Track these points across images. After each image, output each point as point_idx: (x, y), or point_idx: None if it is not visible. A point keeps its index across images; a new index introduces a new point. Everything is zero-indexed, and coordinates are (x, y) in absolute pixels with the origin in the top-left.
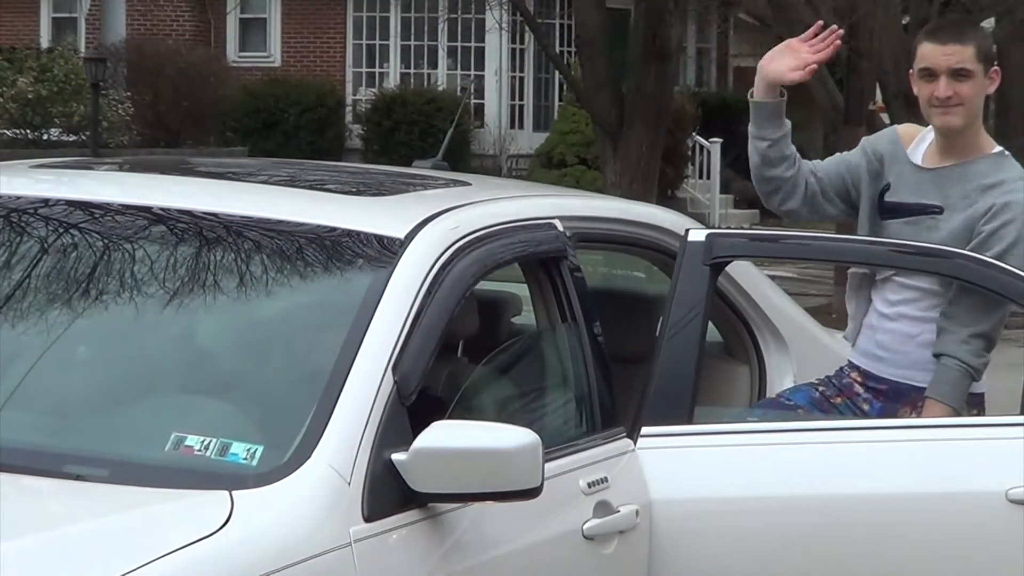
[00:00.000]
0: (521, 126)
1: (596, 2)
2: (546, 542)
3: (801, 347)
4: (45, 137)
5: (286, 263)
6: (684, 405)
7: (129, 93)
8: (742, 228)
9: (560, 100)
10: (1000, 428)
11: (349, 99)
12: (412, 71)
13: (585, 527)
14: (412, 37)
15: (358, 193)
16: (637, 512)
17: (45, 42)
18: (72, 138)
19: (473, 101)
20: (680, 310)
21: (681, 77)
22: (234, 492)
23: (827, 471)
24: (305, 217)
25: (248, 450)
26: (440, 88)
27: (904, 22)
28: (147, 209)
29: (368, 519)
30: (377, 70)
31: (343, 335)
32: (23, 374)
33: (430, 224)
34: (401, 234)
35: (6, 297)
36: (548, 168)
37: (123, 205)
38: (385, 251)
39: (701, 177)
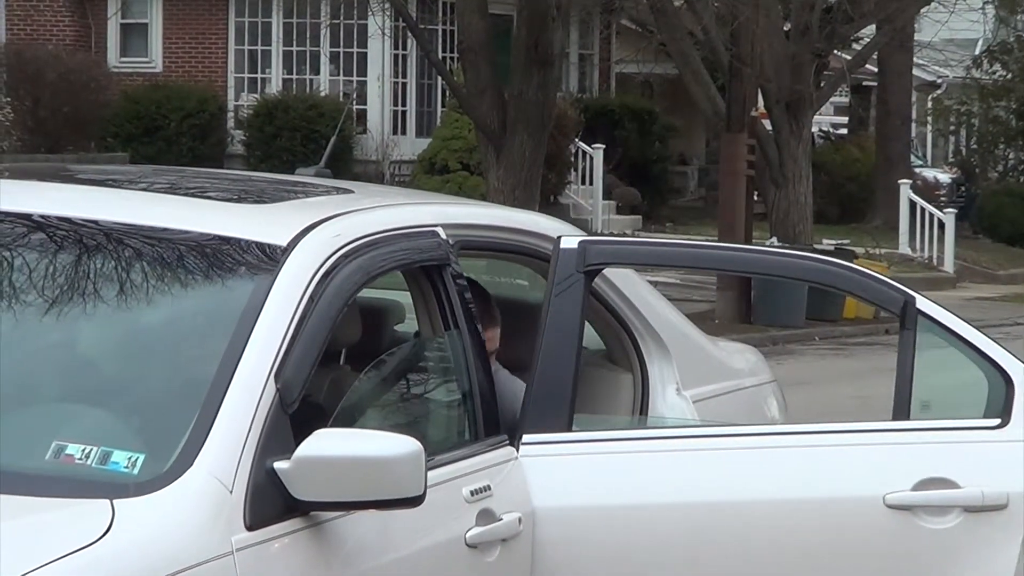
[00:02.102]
0: (404, 132)
1: (479, 8)
2: (429, 550)
3: (683, 354)
4: None
5: (167, 271)
6: (563, 413)
7: (9, 99)
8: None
9: (443, 106)
10: (877, 434)
11: (231, 105)
12: (294, 77)
13: (468, 535)
14: (294, 43)
15: (240, 200)
16: (520, 520)
17: None
18: None
19: (355, 107)
20: (555, 318)
21: (564, 83)
22: (115, 500)
23: (705, 478)
24: (186, 224)
25: (129, 458)
26: (323, 94)
27: (785, 29)
28: (26, 216)
29: (251, 527)
30: (259, 76)
31: (225, 343)
32: None
33: (312, 232)
34: (283, 242)
35: None
36: (431, 174)
37: (2, 212)
38: (267, 259)
39: (584, 183)
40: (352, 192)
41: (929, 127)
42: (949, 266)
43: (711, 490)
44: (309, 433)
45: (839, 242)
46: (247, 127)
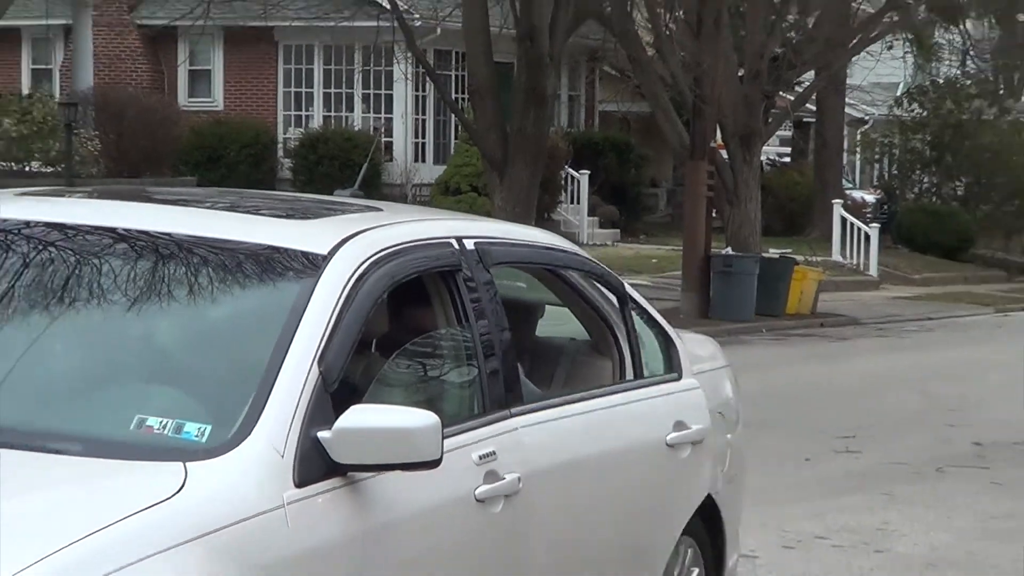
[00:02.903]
0: (423, 160)
1: (485, 56)
2: (445, 504)
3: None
4: (27, 169)
5: (228, 274)
6: (517, 389)
7: (97, 132)
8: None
9: (456, 138)
10: (654, 387)
11: (280, 137)
12: (333, 114)
13: (477, 492)
14: (332, 85)
15: (288, 217)
16: (519, 479)
17: (25, 89)
18: (49, 170)
19: (383, 139)
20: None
21: (556, 119)
22: (188, 463)
23: (583, 436)
24: (244, 236)
25: (199, 429)
26: (356, 128)
27: (740, 74)
28: (112, 230)
29: (299, 485)
30: (303, 113)
31: (276, 334)
32: (11, 367)
33: (348, 242)
34: (324, 251)
35: None
36: (446, 195)
37: (92, 226)
38: (311, 265)
39: (572, 202)
40: (381, 210)
41: (858, 156)
42: (873, 271)
43: (574, 444)
44: (346, 408)
45: (783, 251)
46: (294, 156)
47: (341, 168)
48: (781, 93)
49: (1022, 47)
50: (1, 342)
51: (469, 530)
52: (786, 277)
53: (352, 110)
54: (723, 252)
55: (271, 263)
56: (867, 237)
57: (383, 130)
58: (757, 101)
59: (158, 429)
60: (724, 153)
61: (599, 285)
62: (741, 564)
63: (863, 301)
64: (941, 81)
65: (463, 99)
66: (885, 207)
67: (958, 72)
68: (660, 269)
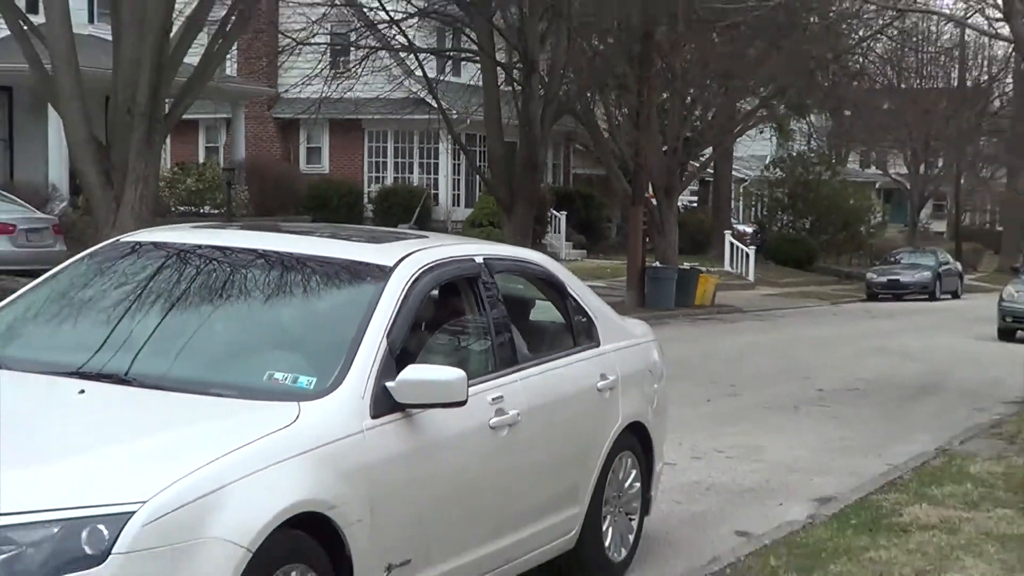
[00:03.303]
0: (458, 205)
1: (499, 138)
2: (469, 429)
3: (609, 326)
4: (201, 211)
5: (329, 279)
6: (515, 354)
7: (246, 187)
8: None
9: (479, 191)
10: (586, 352)
11: (365, 191)
12: (399, 175)
13: (490, 422)
14: (399, 156)
15: (368, 241)
16: (518, 414)
17: (200, 159)
18: (216, 212)
19: (432, 191)
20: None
21: (545, 178)
22: (301, 403)
23: (552, 386)
24: (339, 254)
25: (308, 380)
26: (414, 184)
27: (664, 149)
28: (253, 250)
29: (373, 417)
30: (380, 175)
31: (359, 318)
32: (187, 341)
33: (406, 259)
34: (391, 263)
35: (179, 297)
36: (473, 228)
37: (240, 247)
38: (382, 273)
39: (555, 232)
40: (428, 237)
41: (741, 202)
42: (751, 277)
43: (551, 391)
44: (404, 367)
45: (692, 264)
46: (373, 203)
47: (404, 211)
48: (691, 162)
49: (846, 133)
50: (182, 324)
51: (485, 446)
52: (694, 281)
53: (411, 172)
54: (653, 265)
55: (356, 271)
56: (747, 255)
57: (432, 187)
58: (675, 167)
59: (282, 380)
60: (654, 200)
61: (548, 284)
62: (665, 470)
63: (744, 297)
64: (794, 154)
65: (484, 165)
66: (758, 235)
67: (805, 148)
68: (613, 276)
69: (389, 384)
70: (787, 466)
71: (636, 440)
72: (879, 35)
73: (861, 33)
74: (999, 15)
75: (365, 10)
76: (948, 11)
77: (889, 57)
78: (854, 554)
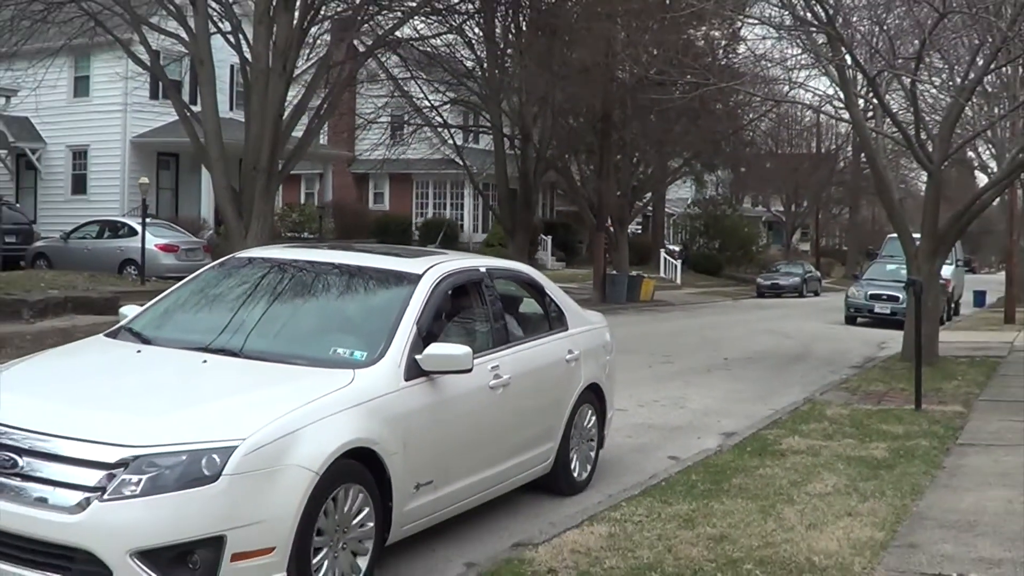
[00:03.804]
0: (478, 231)
1: (505, 185)
2: (474, 389)
3: (575, 315)
4: (302, 236)
5: (377, 282)
6: (508, 336)
7: (332, 220)
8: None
9: (492, 222)
10: (556, 334)
11: (415, 223)
12: (436, 211)
13: (489, 383)
14: (437, 198)
15: (405, 257)
16: (509, 378)
17: (302, 200)
18: (312, 237)
19: (460, 223)
20: (494, 300)
21: (537, 213)
22: (356, 370)
23: (533, 358)
24: (384, 265)
25: (362, 354)
26: (447, 217)
27: (618, 193)
28: (327, 262)
29: (406, 380)
30: (424, 211)
31: (397, 310)
32: (278, 328)
33: (431, 268)
34: (420, 272)
35: (275, 295)
36: (487, 247)
37: (318, 260)
38: (413, 279)
39: (544, 250)
40: (447, 253)
41: (671, 230)
42: (679, 281)
43: (533, 361)
44: (428, 345)
45: (638, 272)
46: (419, 231)
47: (437, 236)
48: (637, 201)
49: (742, 183)
50: (276, 314)
51: (486, 400)
52: (639, 284)
53: (445, 209)
54: (611, 272)
55: (396, 277)
56: (675, 266)
57: (459, 219)
58: (626, 205)
59: (343, 354)
60: (611, 228)
61: (531, 287)
62: (617, 415)
63: (674, 295)
64: (707, 197)
65: (495, 204)
66: (683, 252)
67: (714, 193)
68: (583, 280)
69: (417, 357)
70: (703, 411)
71: (594, 396)
72: (763, 117)
73: (751, 116)
74: (842, 105)
75: (415, 99)
76: (808, 102)
77: (770, 132)
78: (749, 471)
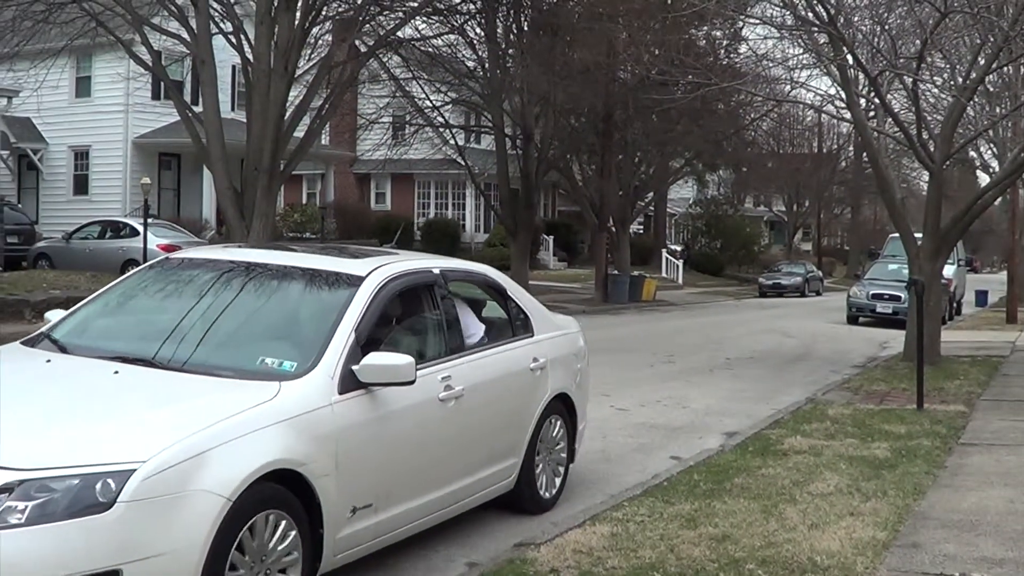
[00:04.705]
0: (480, 231)
1: (507, 186)
2: (421, 401)
3: (542, 320)
4: (304, 236)
5: (316, 284)
6: (463, 343)
7: (334, 220)
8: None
9: (494, 222)
10: (521, 341)
11: (416, 223)
12: (438, 211)
13: (439, 395)
14: (438, 198)
15: (351, 257)
16: (463, 389)
17: (304, 201)
18: (314, 237)
19: (462, 223)
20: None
21: (539, 213)
22: (281, 383)
23: (492, 367)
24: (325, 266)
25: (291, 364)
26: (448, 218)
27: (620, 193)
28: (262, 263)
29: (340, 393)
30: (425, 211)
31: (335, 315)
32: (203, 332)
33: (376, 270)
34: (363, 273)
35: (200, 299)
36: (489, 247)
37: (253, 261)
38: (356, 281)
39: (546, 250)
40: (398, 253)
41: (673, 230)
42: (680, 281)
43: (491, 371)
44: (367, 354)
45: (640, 272)
46: (421, 231)
47: (441, 236)
48: (638, 201)
49: (744, 183)
50: (201, 319)
51: (435, 414)
52: (641, 283)
53: (447, 209)
54: (613, 272)
55: (337, 279)
56: (677, 266)
57: (460, 219)
58: (627, 205)
59: (271, 364)
60: (613, 228)
61: (493, 290)
62: (618, 415)
63: (676, 295)
64: (709, 197)
65: (497, 204)
66: (685, 252)
67: (716, 193)
68: (585, 280)
69: (354, 367)
70: (705, 411)
71: (563, 406)
72: (765, 117)
73: (752, 116)
74: (844, 105)
75: (416, 99)
76: (810, 102)
77: (771, 132)
78: (751, 471)
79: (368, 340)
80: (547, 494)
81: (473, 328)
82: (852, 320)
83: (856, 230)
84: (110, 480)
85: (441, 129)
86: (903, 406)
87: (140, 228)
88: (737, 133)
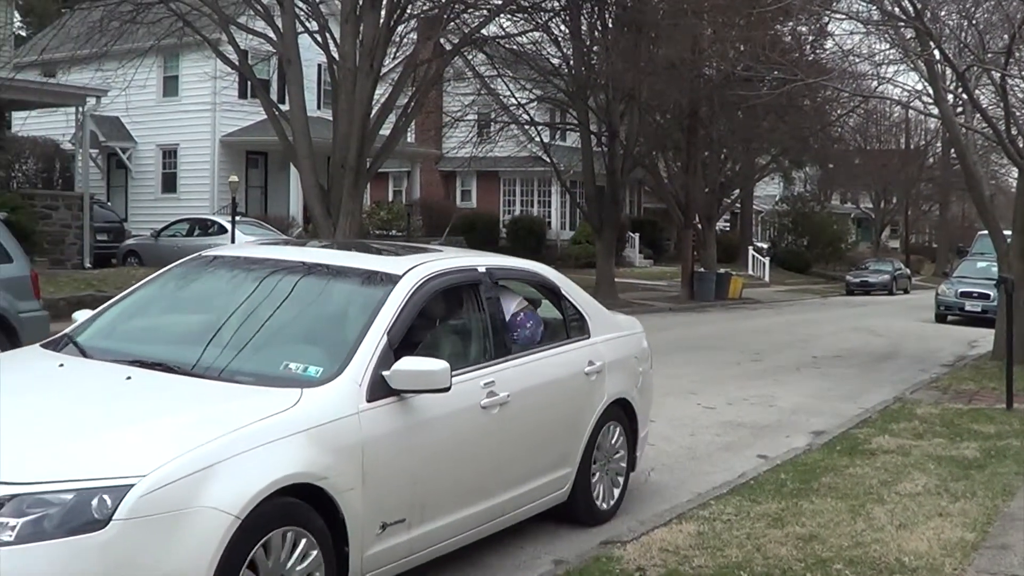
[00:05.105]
0: (565, 228)
1: (592, 183)
2: (460, 409)
3: (601, 320)
4: (390, 233)
5: (350, 284)
6: (510, 346)
7: (420, 217)
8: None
9: (579, 219)
10: (577, 343)
11: (501, 220)
12: (523, 208)
13: (481, 403)
14: (524, 195)
15: (390, 254)
16: (508, 395)
17: (390, 198)
18: (399, 234)
19: (546, 220)
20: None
21: (624, 210)
22: (304, 389)
23: (531, 372)
24: (359, 264)
25: (317, 370)
26: (534, 215)
27: (706, 190)
28: (298, 261)
29: (369, 401)
30: (511, 208)
31: (366, 317)
32: (229, 334)
33: (413, 269)
34: (400, 272)
35: (234, 299)
36: (575, 245)
37: (287, 259)
38: (392, 280)
39: (632, 248)
40: (441, 251)
41: (759, 227)
42: (767, 279)
43: (541, 375)
44: (400, 359)
45: (726, 269)
46: (506, 228)
47: (527, 234)
48: (724, 199)
49: (831, 180)
50: (227, 322)
51: (476, 422)
52: (727, 281)
53: (532, 207)
54: (699, 270)
55: (372, 278)
56: (763, 263)
57: (546, 217)
58: (713, 202)
59: (295, 370)
60: (699, 225)
61: (545, 289)
62: (705, 414)
63: (762, 292)
64: (795, 194)
65: (582, 201)
66: (771, 250)
67: (803, 190)
68: (671, 278)
69: (385, 373)
70: (792, 410)
71: (622, 412)
72: (851, 113)
73: (839, 112)
74: (931, 100)
75: (501, 97)
76: (896, 97)
77: (858, 128)
78: (838, 470)
79: (403, 343)
80: (604, 505)
81: (523, 329)
82: (940, 318)
83: (944, 227)
84: (106, 496)
85: (526, 126)
86: (992, 406)
87: (228, 226)
88: (823, 129)
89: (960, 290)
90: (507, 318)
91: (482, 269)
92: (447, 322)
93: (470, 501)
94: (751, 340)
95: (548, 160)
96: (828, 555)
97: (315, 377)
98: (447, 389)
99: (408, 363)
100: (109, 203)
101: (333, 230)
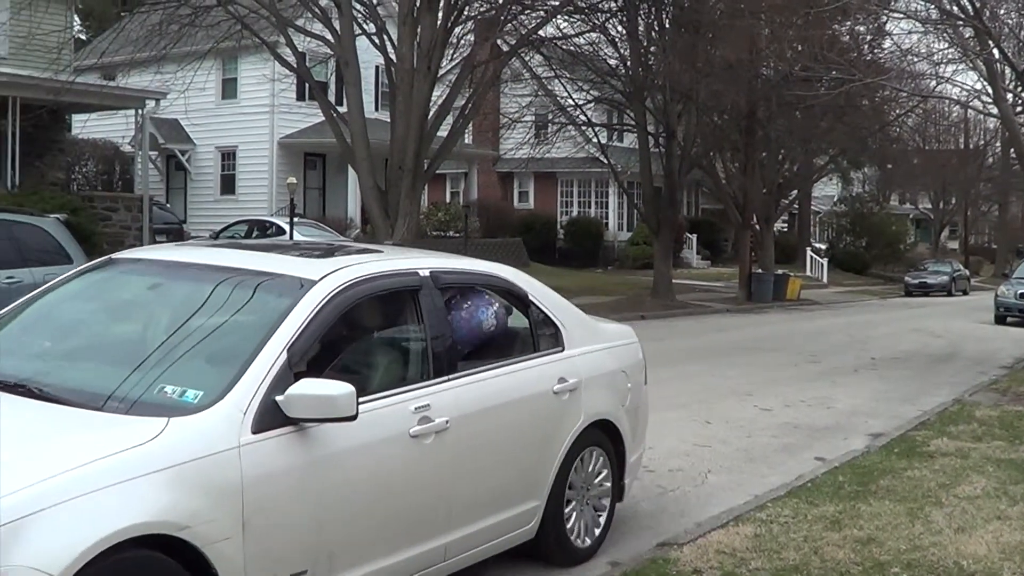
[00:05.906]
0: (622, 229)
1: (650, 184)
2: (380, 440)
3: (577, 327)
4: (447, 235)
5: (257, 292)
6: (453, 362)
7: (477, 218)
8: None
9: (637, 220)
10: (545, 357)
11: (558, 221)
12: (581, 209)
13: (411, 431)
14: (581, 196)
15: (312, 256)
16: (447, 421)
17: (447, 199)
18: (457, 235)
19: (604, 220)
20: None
21: (681, 211)
22: (171, 418)
23: (484, 392)
24: (270, 267)
25: (195, 394)
26: (591, 216)
27: (764, 191)
28: (200, 264)
29: (255, 432)
30: (568, 210)
31: (265, 331)
32: (109, 350)
33: (334, 272)
34: (317, 277)
35: (128, 309)
36: (633, 246)
37: (187, 262)
38: (304, 286)
39: (689, 248)
40: (381, 252)
41: (817, 228)
42: (825, 280)
43: (494, 396)
44: (298, 380)
45: (784, 270)
46: (564, 229)
47: (584, 235)
48: (782, 199)
49: (889, 180)
50: (108, 336)
51: (403, 454)
52: (785, 282)
53: (590, 208)
54: (757, 271)
55: (281, 285)
56: (822, 264)
57: (603, 218)
58: (771, 203)
59: (170, 394)
60: (757, 226)
61: (509, 294)
62: (762, 416)
63: (820, 294)
64: (854, 194)
65: (640, 202)
66: (830, 250)
67: (861, 190)
68: (728, 279)
69: (279, 398)
70: (849, 411)
71: (604, 436)
72: (909, 113)
73: (897, 112)
74: (991, 100)
75: (558, 98)
76: (955, 97)
77: (916, 128)
78: (897, 473)
79: (315, 362)
80: (581, 542)
81: (485, 341)
82: (1000, 320)
83: (1004, 228)
84: None
85: (583, 127)
86: None
87: (287, 227)
88: (882, 129)
89: (1020, 291)
90: (474, 328)
91: (424, 273)
92: (374, 336)
93: (399, 546)
94: (808, 342)
95: (605, 161)
96: (886, 558)
97: (191, 403)
98: (353, 417)
99: (304, 386)
100: (168, 205)
101: (391, 231)
